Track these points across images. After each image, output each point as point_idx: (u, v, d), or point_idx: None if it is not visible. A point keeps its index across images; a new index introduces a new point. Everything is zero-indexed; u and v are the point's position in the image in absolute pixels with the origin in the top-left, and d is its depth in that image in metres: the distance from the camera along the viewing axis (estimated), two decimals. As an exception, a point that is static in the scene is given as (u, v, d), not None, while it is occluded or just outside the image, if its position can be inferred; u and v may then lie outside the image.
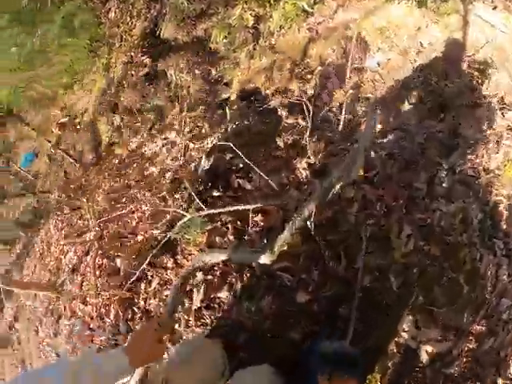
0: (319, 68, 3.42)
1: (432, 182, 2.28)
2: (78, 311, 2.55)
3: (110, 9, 4.27)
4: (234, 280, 1.83)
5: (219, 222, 1.97)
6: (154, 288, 2.07)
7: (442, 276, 1.97)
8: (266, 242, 1.84)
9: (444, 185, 2.28)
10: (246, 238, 1.89)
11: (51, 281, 3.04)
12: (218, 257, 1.46)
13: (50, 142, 3.71)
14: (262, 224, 1.91)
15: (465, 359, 1.86)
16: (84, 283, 2.63)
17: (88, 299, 2.48)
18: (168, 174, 2.45)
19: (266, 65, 3.73)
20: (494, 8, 2.75)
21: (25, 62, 3.49)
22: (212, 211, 1.75)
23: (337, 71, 3.32)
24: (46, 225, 3.70)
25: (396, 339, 1.79)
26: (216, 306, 1.85)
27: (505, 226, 2.23)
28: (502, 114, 2.52)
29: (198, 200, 1.74)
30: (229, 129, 2.76)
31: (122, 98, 4.66)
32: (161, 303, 2.01)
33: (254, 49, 3.96)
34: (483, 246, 2.13)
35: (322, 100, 3.14)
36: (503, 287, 2.04)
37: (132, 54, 4.33)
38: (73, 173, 4.10)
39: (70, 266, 2.86)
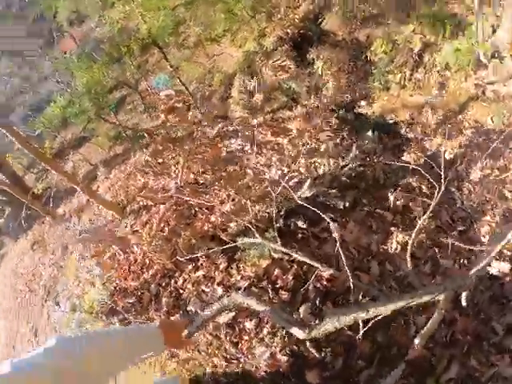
0: (470, 131, 2.97)
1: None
2: (129, 247, 2.67)
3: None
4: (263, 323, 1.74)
5: (287, 256, 1.84)
6: (198, 276, 2.06)
7: None
8: (317, 303, 1.69)
9: None
10: (302, 288, 1.74)
11: (123, 204, 3.23)
12: (256, 306, 1.37)
13: (181, 81, 3.80)
14: (324, 283, 1.76)
15: None
16: (147, 226, 2.72)
17: (141, 242, 2.57)
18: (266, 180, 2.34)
19: (417, 103, 3.35)
20: None
21: (186, 4, 3.57)
22: (282, 249, 1.61)
23: (486, 145, 2.84)
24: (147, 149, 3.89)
25: None
26: (237, 329, 1.79)
27: None
28: None
29: (276, 234, 1.60)
30: (350, 163, 2.50)
31: (263, 69, 4.60)
32: (194, 293, 2.00)
33: (410, 78, 3.58)
34: None
35: (457, 172, 2.71)
36: None
37: (288, 31, 4.19)
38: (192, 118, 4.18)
39: (144, 203, 2.99)
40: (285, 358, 1.64)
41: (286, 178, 2.18)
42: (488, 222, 2.42)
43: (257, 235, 1.59)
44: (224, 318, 1.78)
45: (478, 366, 1.75)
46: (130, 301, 2.28)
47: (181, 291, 2.08)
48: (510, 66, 2.92)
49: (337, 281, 1.76)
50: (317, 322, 1.50)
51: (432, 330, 1.52)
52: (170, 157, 3.17)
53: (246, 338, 1.75)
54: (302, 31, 4.10)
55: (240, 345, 1.75)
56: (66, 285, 3.28)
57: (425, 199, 2.29)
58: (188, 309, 1.96)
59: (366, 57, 3.90)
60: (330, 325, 1.38)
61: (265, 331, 1.71)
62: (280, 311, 1.47)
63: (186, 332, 1.40)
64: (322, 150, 2.54)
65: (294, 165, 2.40)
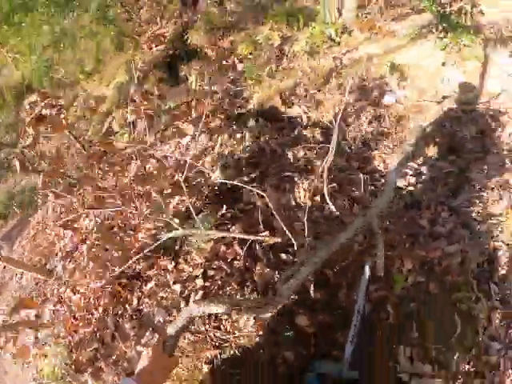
0: (339, 96, 3.41)
1: (435, 223, 2.33)
2: (66, 299, 2.44)
3: (142, 7, 4.28)
4: (232, 292, 1.77)
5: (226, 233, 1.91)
6: (150, 288, 1.99)
7: (438, 313, 1.98)
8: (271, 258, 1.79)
9: (447, 226, 2.31)
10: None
11: (41, 263, 2.94)
12: (218, 309, 1.34)
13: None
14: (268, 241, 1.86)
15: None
16: (76, 271, 2.52)
17: (78, 288, 2.37)
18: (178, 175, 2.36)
19: (288, 85, 3.72)
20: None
21: (53, 43, 3.46)
22: (212, 232, 1.69)
23: (355, 102, 3.31)
24: (44, 206, 3.60)
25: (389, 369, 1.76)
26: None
27: (502, 272, 2.21)
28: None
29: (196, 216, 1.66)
30: (246, 144, 2.71)
31: (138, 97, 4.62)
32: (154, 304, 1.92)
33: (277, 69, 3.97)
34: (479, 289, 2.14)
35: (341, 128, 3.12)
36: (495, 331, 2.04)
37: (158, 53, 4.32)
38: (79, 159, 4.00)
39: (64, 253, 2.76)
40: (269, 315, 1.69)
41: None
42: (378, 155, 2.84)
43: (177, 226, 1.63)
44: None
45: (425, 252, 2.13)
46: (92, 348, 2.07)
47: (141, 308, 1.98)
48: (358, 36, 3.59)
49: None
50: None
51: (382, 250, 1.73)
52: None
53: (224, 317, 1.74)
54: (170, 52, 4.26)
55: (222, 326, 1.74)
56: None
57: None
58: (156, 321, 1.87)
59: (234, 61, 4.23)
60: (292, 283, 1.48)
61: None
62: (244, 301, 1.53)
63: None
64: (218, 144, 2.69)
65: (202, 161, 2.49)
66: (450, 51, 3.08)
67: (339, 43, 3.64)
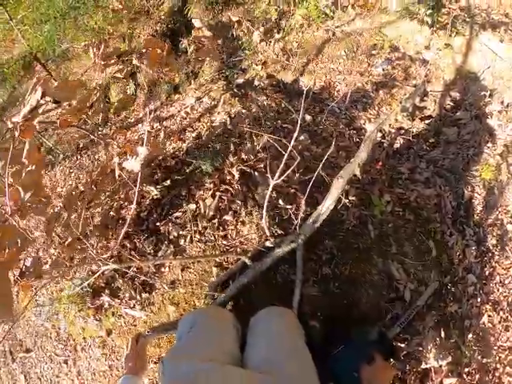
0: (331, 66, 3.99)
1: (413, 171, 2.84)
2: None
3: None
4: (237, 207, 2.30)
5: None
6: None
7: (414, 237, 2.46)
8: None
9: (424, 174, 2.83)
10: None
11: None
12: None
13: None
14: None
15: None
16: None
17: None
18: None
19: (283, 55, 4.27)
20: (501, 41, 3.32)
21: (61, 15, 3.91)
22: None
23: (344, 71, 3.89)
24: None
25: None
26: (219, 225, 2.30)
27: (476, 218, 2.69)
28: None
29: None
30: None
31: (139, 70, 5.11)
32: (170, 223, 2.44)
33: (273, 41, 4.51)
34: (454, 228, 2.61)
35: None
36: (470, 264, 2.47)
37: (157, 28, 4.81)
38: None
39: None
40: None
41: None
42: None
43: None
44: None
45: (402, 190, 2.65)
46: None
47: (157, 226, 2.49)
48: (351, 12, 4.14)
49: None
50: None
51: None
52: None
53: (231, 227, 2.27)
54: (170, 26, 4.75)
55: (229, 235, 2.26)
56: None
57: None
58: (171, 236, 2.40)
59: (232, 35, 4.76)
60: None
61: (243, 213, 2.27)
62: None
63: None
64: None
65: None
66: (437, 27, 3.58)
67: (333, 17, 4.19)
